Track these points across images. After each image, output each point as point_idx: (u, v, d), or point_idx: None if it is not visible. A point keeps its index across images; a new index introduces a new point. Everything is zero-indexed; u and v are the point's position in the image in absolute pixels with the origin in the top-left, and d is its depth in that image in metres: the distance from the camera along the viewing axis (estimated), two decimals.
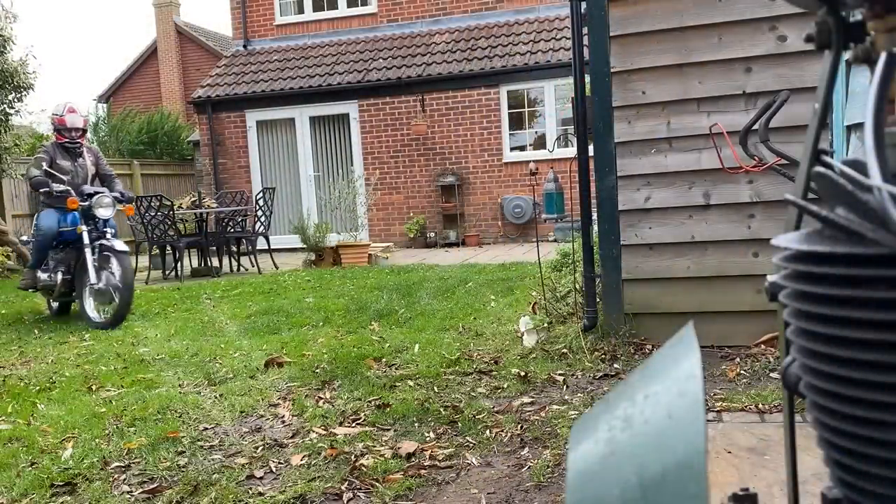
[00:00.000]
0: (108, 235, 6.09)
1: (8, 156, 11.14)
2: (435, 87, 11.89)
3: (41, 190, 6.05)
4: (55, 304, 6.84)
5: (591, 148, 3.97)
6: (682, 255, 3.80)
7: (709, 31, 3.66)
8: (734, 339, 3.72)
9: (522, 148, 11.95)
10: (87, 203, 6.10)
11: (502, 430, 2.87)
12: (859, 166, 0.69)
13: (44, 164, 6.08)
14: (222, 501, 2.40)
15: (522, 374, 3.55)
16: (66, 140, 6.34)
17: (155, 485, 2.56)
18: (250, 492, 2.46)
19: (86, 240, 5.99)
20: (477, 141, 11.88)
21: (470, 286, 6.61)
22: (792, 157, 2.24)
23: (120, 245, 6.02)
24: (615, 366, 3.60)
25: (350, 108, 12.39)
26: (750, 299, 3.66)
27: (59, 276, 6.19)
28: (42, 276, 6.31)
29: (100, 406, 3.55)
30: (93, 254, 5.97)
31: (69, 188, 6.10)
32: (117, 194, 6.39)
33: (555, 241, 8.60)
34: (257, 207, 9.91)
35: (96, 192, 6.16)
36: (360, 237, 10.54)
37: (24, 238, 7.33)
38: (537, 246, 4.96)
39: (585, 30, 3.95)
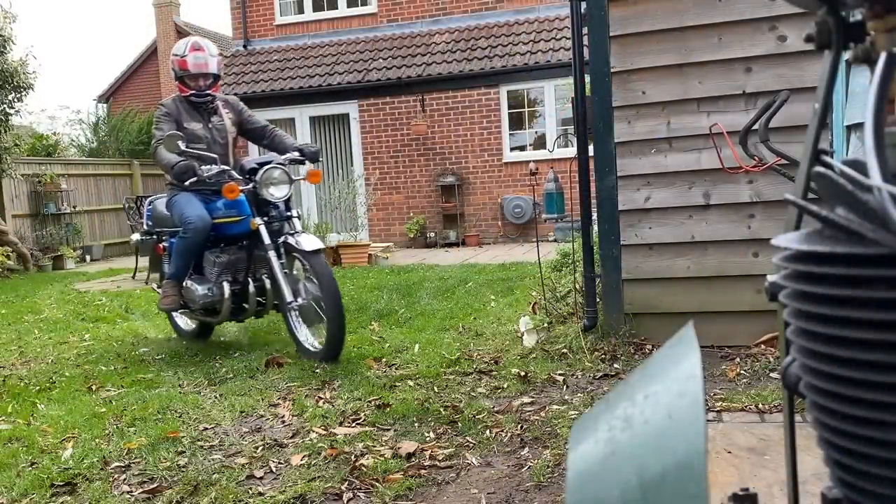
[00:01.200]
0: (296, 227, 4.25)
1: (8, 156, 11.14)
2: (435, 87, 11.89)
3: (188, 181, 4.17)
4: (191, 325, 4.95)
5: (591, 148, 3.97)
6: (682, 255, 3.80)
7: (709, 31, 3.66)
8: (734, 339, 3.72)
9: (522, 148, 11.95)
10: (250, 184, 4.21)
11: (502, 430, 2.87)
12: (859, 166, 0.69)
13: (180, 142, 4.05)
14: (222, 501, 2.40)
15: (522, 374, 3.55)
16: (192, 92, 4.42)
17: (155, 485, 2.56)
18: (250, 492, 2.46)
19: (266, 239, 4.17)
20: (477, 141, 11.88)
21: (470, 286, 6.61)
22: (792, 157, 2.25)
23: (310, 242, 4.09)
24: (615, 366, 3.60)
25: (350, 108, 12.39)
26: (750, 299, 3.66)
27: (227, 289, 4.32)
28: (199, 289, 4.32)
29: (100, 406, 3.55)
30: (279, 258, 4.19)
31: (226, 168, 4.25)
32: (292, 154, 4.38)
33: (555, 241, 8.60)
34: None
35: (261, 164, 4.23)
36: (360, 237, 10.54)
37: (137, 238, 5.09)
38: (537, 246, 4.96)
39: (585, 30, 3.95)
